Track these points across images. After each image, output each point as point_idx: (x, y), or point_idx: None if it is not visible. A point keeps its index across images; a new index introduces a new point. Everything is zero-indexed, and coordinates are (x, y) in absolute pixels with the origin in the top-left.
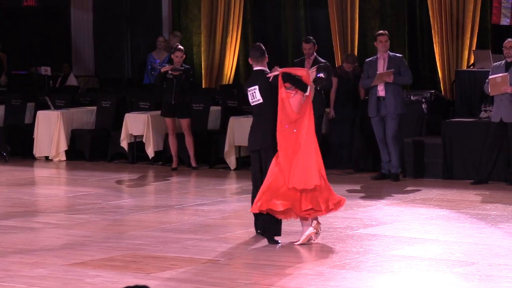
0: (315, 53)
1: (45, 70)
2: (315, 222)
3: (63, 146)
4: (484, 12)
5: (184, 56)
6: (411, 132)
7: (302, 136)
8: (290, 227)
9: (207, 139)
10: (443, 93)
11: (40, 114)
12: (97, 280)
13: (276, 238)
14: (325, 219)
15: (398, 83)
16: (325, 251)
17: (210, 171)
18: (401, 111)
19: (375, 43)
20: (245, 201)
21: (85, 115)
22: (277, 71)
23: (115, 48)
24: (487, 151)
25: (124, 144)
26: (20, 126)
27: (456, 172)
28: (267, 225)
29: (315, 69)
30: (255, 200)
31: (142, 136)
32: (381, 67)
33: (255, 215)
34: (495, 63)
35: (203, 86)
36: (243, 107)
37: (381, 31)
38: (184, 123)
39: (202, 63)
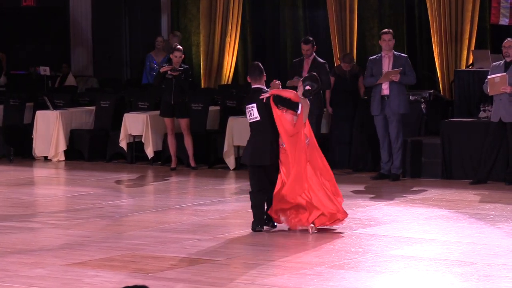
0: (314, 54)
1: (44, 70)
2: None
3: (62, 146)
4: (483, 12)
5: (183, 56)
6: (410, 132)
7: (298, 153)
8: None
9: (206, 139)
10: (442, 93)
11: (39, 114)
12: (96, 280)
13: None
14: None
15: (403, 82)
16: (324, 251)
17: (209, 171)
18: (404, 111)
19: (379, 41)
20: (244, 201)
21: (84, 115)
22: (268, 93)
23: (114, 48)
24: (486, 151)
25: (123, 144)
26: (19, 126)
27: (455, 172)
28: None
29: (301, 83)
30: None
31: (141, 136)
32: (386, 65)
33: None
34: (494, 63)
35: (202, 86)
36: (242, 107)
37: (385, 30)
38: (183, 123)
39: (201, 63)
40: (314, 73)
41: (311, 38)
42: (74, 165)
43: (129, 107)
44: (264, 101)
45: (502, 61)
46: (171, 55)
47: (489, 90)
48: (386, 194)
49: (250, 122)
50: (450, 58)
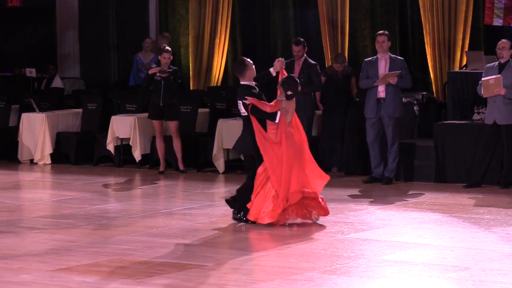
0: (305, 55)
1: (30, 72)
2: None
3: (48, 149)
4: (476, 12)
5: (172, 57)
6: (403, 135)
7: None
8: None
9: (195, 142)
10: (435, 95)
11: (25, 116)
12: (83, 286)
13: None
14: (316, 223)
15: (400, 86)
16: (316, 256)
17: (198, 175)
18: (399, 114)
19: (375, 42)
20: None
21: (71, 118)
22: (249, 100)
23: (101, 50)
24: (480, 153)
25: (110, 147)
26: (5, 128)
27: (449, 175)
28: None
29: (281, 87)
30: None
31: (128, 139)
32: (383, 68)
33: (229, 201)
34: (488, 65)
35: (191, 88)
36: (232, 109)
37: (380, 31)
38: (172, 125)
39: (190, 65)
40: (291, 75)
41: (302, 39)
42: (60, 168)
43: (116, 109)
44: (248, 106)
45: (496, 63)
46: (159, 57)
47: (483, 92)
48: (379, 197)
49: (241, 115)
50: (443, 59)
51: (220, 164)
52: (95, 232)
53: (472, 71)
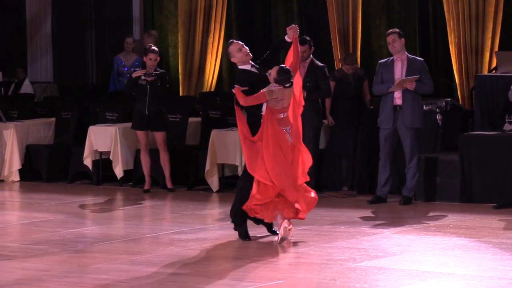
0: (311, 56)
1: None
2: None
3: (17, 165)
4: (508, 6)
5: (159, 58)
6: (423, 148)
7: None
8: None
9: (185, 156)
10: (460, 102)
11: None
12: None
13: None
14: (324, 250)
15: (419, 91)
16: (324, 287)
17: (189, 194)
18: (419, 125)
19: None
20: (228, 228)
21: (42, 128)
22: (234, 90)
23: (77, 50)
24: None
25: (87, 162)
26: None
27: (476, 194)
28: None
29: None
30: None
31: (109, 152)
32: (399, 71)
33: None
34: None
35: (180, 94)
36: (227, 119)
37: (389, 31)
38: (159, 137)
39: (179, 67)
40: (281, 66)
41: (308, 38)
42: (30, 186)
43: (94, 118)
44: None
45: None
46: (144, 58)
47: None
48: (396, 220)
49: None
50: (470, 61)
51: (213, 182)
52: (71, 259)
53: (502, 74)
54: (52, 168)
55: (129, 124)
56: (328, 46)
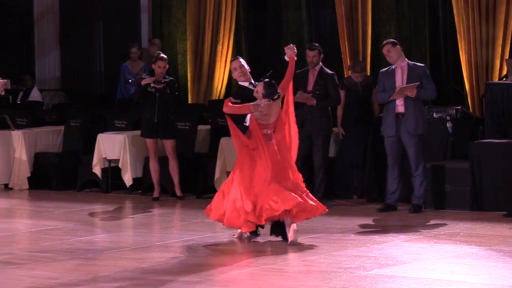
0: (320, 63)
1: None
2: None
3: (25, 173)
4: None
5: (168, 66)
6: (433, 156)
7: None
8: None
9: (195, 164)
10: (470, 110)
11: None
12: None
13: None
14: (334, 258)
15: (421, 98)
16: None
17: (198, 202)
18: (422, 131)
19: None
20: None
21: (51, 136)
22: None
23: (86, 58)
24: None
25: (96, 170)
26: None
27: (487, 202)
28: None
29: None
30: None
31: (118, 160)
32: (400, 79)
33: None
34: None
35: (189, 102)
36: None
37: (384, 42)
38: (168, 145)
39: (188, 75)
40: (266, 80)
41: (317, 44)
42: (39, 194)
43: (103, 126)
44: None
45: None
46: (153, 65)
47: None
48: (406, 228)
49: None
50: (480, 68)
51: None
52: (80, 267)
53: None
54: (61, 176)
55: (138, 132)
56: (337, 53)
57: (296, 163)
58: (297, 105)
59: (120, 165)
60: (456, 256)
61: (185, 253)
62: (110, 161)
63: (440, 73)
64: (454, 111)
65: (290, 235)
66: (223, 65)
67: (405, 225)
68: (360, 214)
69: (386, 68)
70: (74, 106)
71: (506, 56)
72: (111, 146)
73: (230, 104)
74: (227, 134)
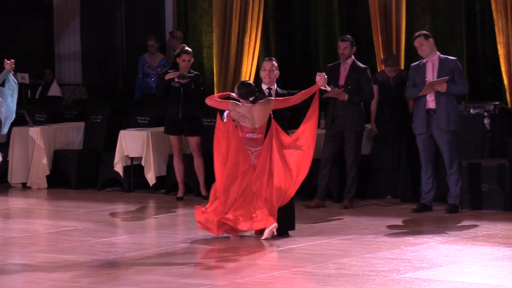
0: (353, 56)
1: (22, 78)
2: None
3: (44, 171)
4: None
5: (193, 60)
6: (470, 154)
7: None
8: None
9: None
10: (509, 105)
11: (16, 131)
12: None
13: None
14: (366, 260)
15: (452, 92)
16: None
17: None
18: (455, 127)
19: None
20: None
21: (71, 133)
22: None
23: (107, 52)
24: None
25: (118, 168)
26: None
27: None
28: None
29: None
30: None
31: (140, 158)
32: (430, 73)
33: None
34: None
35: None
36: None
37: (415, 34)
38: (193, 142)
39: (214, 68)
40: (242, 81)
41: (349, 36)
42: (58, 193)
43: (125, 122)
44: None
45: None
46: (178, 59)
47: None
48: (442, 229)
49: None
50: None
51: None
52: (101, 270)
53: None
54: (81, 174)
55: (162, 129)
56: (370, 47)
57: (326, 164)
58: (328, 101)
59: (142, 163)
60: (494, 258)
61: (210, 255)
62: (132, 159)
63: (478, 67)
64: (492, 106)
65: (265, 235)
66: (250, 58)
67: (441, 226)
68: (393, 214)
69: (417, 62)
70: (95, 102)
71: None
72: (134, 143)
73: (214, 97)
74: None
